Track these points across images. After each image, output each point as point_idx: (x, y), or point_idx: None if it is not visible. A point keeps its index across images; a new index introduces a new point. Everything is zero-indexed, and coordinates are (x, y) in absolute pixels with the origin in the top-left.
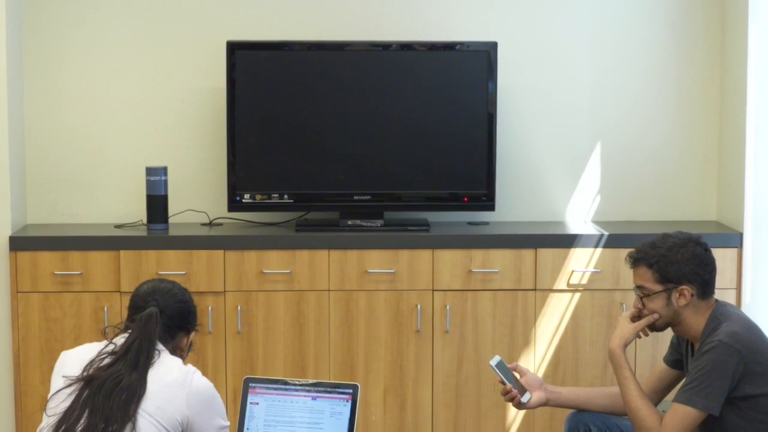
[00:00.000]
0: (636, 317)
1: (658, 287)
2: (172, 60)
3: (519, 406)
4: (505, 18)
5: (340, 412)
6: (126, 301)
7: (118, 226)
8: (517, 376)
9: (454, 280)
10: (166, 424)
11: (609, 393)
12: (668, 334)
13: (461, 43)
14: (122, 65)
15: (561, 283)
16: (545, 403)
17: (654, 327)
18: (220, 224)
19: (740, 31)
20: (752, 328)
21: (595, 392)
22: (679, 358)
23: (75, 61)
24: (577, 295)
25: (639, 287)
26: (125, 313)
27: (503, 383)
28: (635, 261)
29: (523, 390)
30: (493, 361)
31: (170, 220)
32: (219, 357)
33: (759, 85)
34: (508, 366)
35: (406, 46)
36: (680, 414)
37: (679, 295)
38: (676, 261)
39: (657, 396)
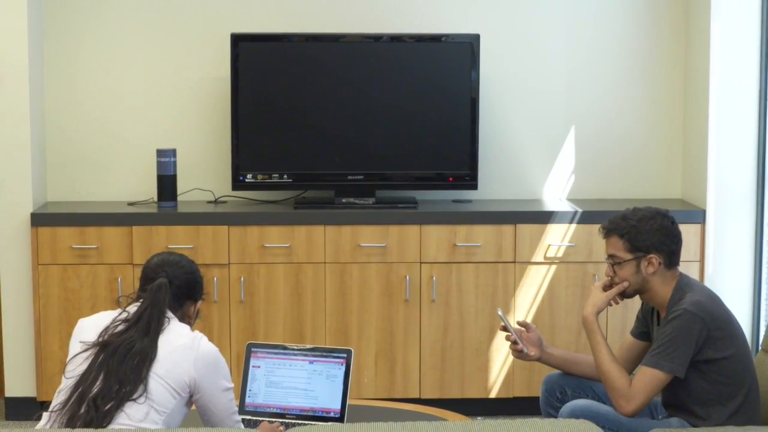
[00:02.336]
0: (607, 287)
1: (628, 256)
2: (180, 51)
3: (518, 354)
4: (487, 12)
5: (335, 375)
6: (138, 272)
7: (130, 204)
8: (523, 329)
9: (440, 253)
10: (175, 386)
11: (592, 363)
12: (636, 304)
13: (446, 35)
14: (135, 56)
15: (538, 256)
16: (538, 360)
17: (624, 294)
18: (225, 202)
19: (703, 25)
20: (714, 298)
21: (581, 359)
22: (645, 330)
23: (91, 51)
24: (553, 267)
25: (611, 256)
26: (137, 284)
27: (506, 330)
28: (608, 232)
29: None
30: (500, 311)
31: (179, 198)
32: (224, 324)
33: (720, 74)
34: (519, 322)
35: (396, 38)
36: (648, 376)
37: (648, 263)
38: (645, 231)
39: (626, 367)
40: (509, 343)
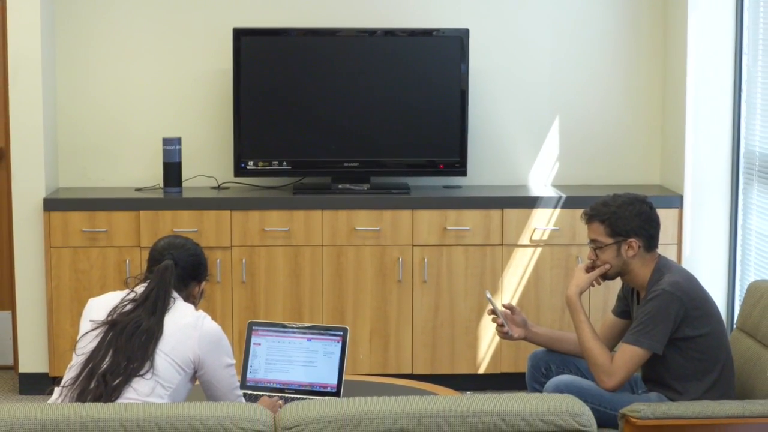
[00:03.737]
0: (590, 268)
1: (609, 240)
2: (185, 45)
3: (504, 335)
4: (476, 8)
5: (331, 352)
6: (145, 254)
7: (138, 190)
8: (508, 312)
9: (431, 236)
10: (180, 362)
11: (575, 340)
12: (616, 285)
13: (437, 30)
14: (142, 49)
15: (524, 239)
16: (524, 339)
17: (606, 276)
18: (227, 188)
19: (681, 20)
20: (691, 279)
21: (565, 337)
22: (625, 309)
23: (101, 45)
24: (539, 249)
25: (593, 240)
26: (144, 266)
27: (494, 313)
28: (589, 218)
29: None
30: (488, 293)
31: (184, 184)
32: (226, 303)
33: (697, 66)
34: (504, 305)
35: (389, 32)
36: (628, 353)
37: (628, 247)
38: (625, 217)
39: (608, 344)
40: (496, 325)
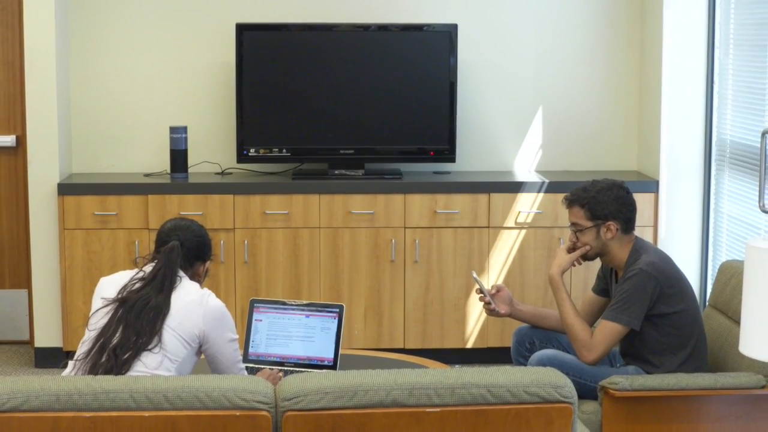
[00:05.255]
0: (571, 249)
1: (589, 223)
2: (191, 39)
3: (491, 312)
4: (464, 4)
5: (328, 327)
6: (153, 236)
7: (146, 175)
8: (494, 291)
9: (422, 219)
10: (186, 337)
11: (557, 317)
12: (596, 265)
13: (428, 25)
14: (151, 43)
15: (509, 222)
16: (509, 316)
17: (586, 257)
18: (231, 173)
19: (656, 16)
20: (666, 259)
21: (548, 314)
22: (604, 287)
23: (112, 39)
24: (523, 231)
25: (573, 224)
26: (153, 246)
27: (481, 292)
28: (570, 202)
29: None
30: (474, 273)
31: (189, 170)
32: (229, 282)
33: (672, 58)
34: (492, 286)
35: (383, 28)
36: (607, 328)
37: (606, 229)
38: (603, 201)
39: (588, 320)
40: (483, 303)
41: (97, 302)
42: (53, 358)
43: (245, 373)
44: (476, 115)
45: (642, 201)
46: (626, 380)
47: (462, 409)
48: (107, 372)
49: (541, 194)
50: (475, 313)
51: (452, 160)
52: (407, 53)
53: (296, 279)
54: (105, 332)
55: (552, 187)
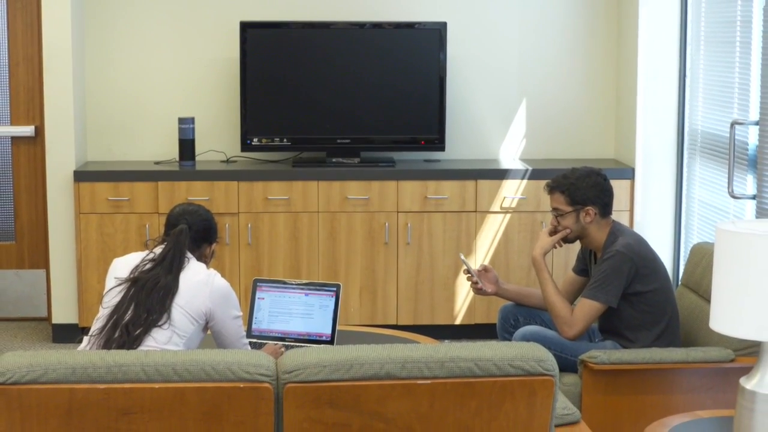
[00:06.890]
0: (553, 232)
1: (569, 208)
2: (199, 36)
3: (478, 291)
4: (453, 3)
5: (326, 305)
6: (163, 220)
7: (156, 163)
8: (481, 270)
9: (414, 204)
10: (194, 314)
11: (540, 295)
12: (576, 247)
13: (419, 23)
14: (161, 39)
15: (495, 207)
16: (495, 294)
17: (567, 240)
18: (235, 161)
19: (632, 12)
20: (641, 241)
21: (531, 293)
22: (584, 267)
23: (125, 35)
24: (508, 216)
25: (554, 209)
26: (162, 229)
27: (469, 272)
28: (551, 189)
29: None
30: (462, 255)
31: (197, 158)
32: (234, 262)
33: (647, 53)
34: (480, 266)
35: (377, 25)
36: (587, 306)
37: (585, 214)
38: (582, 188)
39: (568, 298)
40: (471, 282)
41: (110, 282)
42: (69, 334)
43: (249, 347)
44: (464, 106)
45: (619, 187)
46: (604, 354)
47: (451, 381)
48: (120, 347)
49: (525, 181)
50: (463, 291)
51: (442, 149)
52: (400, 49)
53: (296, 260)
54: (118, 310)
55: (535, 174)
